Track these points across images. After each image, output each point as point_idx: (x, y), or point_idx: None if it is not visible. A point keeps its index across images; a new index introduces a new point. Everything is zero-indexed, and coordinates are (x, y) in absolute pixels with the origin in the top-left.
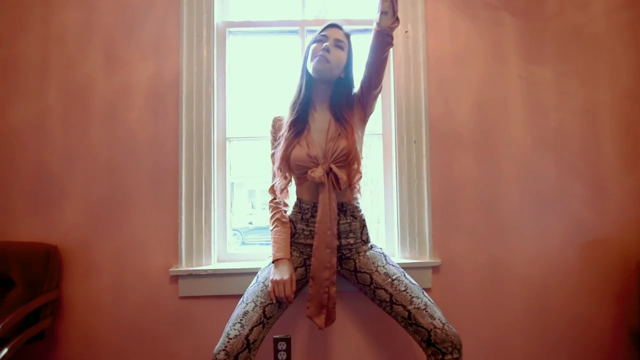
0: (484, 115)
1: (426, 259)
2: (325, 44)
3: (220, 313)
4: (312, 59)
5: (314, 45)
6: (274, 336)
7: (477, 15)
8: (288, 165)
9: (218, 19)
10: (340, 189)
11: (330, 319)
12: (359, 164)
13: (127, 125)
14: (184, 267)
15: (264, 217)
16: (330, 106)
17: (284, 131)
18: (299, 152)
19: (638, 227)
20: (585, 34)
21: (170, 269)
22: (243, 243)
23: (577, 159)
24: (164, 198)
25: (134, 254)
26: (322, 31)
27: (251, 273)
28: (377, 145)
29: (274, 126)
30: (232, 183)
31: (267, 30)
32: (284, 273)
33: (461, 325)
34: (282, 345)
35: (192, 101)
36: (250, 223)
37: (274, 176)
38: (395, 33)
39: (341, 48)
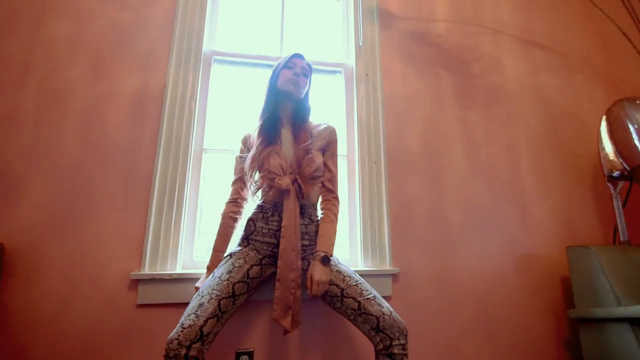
0: (430, 145)
1: (386, 267)
2: (296, 70)
3: None
4: (284, 81)
5: (285, 70)
6: (237, 350)
7: (421, 67)
8: (257, 171)
9: (206, 47)
10: (302, 197)
11: (295, 322)
12: (317, 175)
13: (103, 130)
14: (147, 271)
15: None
16: (293, 124)
17: (254, 142)
18: (274, 161)
19: (557, 244)
20: (503, 91)
21: (132, 272)
22: None
23: (503, 186)
24: (134, 202)
25: (91, 257)
26: (290, 59)
27: None
28: (342, 165)
29: (244, 143)
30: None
31: (248, 62)
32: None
33: (417, 330)
34: (244, 359)
35: (174, 112)
36: None
37: (234, 182)
38: (358, 75)
39: (306, 76)
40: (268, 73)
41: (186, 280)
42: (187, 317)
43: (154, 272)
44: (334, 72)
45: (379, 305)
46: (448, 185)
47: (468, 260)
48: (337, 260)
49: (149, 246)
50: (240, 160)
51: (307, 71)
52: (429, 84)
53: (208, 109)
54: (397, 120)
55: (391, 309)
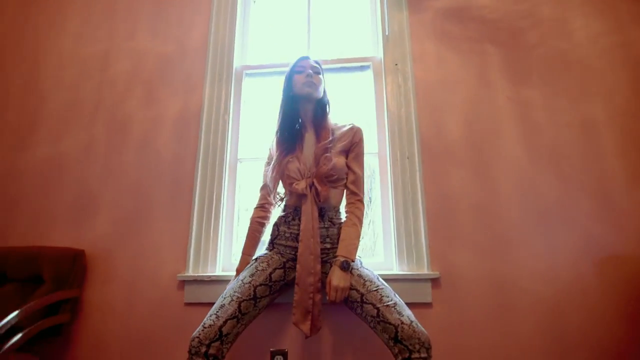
0: (473, 132)
1: (424, 271)
2: (307, 71)
3: None
4: (300, 86)
5: (296, 75)
6: (271, 349)
7: (460, 47)
8: (279, 178)
9: (237, 63)
10: (320, 201)
11: (315, 327)
12: (337, 178)
13: (154, 149)
14: (191, 273)
15: None
16: (314, 124)
17: (273, 149)
18: (292, 166)
19: None
20: (571, 58)
21: (178, 274)
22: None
23: (578, 173)
24: (180, 210)
25: (149, 261)
26: (296, 64)
27: None
28: (373, 164)
29: (271, 150)
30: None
31: (278, 71)
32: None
33: (463, 342)
34: (279, 359)
35: (210, 127)
36: None
37: (262, 188)
38: (386, 66)
39: (318, 73)
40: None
41: (224, 281)
42: (209, 317)
43: (197, 274)
44: (363, 67)
45: (399, 313)
46: (499, 176)
47: (528, 262)
48: (360, 264)
49: (192, 250)
50: (267, 167)
51: (317, 69)
52: (470, 65)
53: (241, 121)
54: (432, 110)
55: (412, 318)
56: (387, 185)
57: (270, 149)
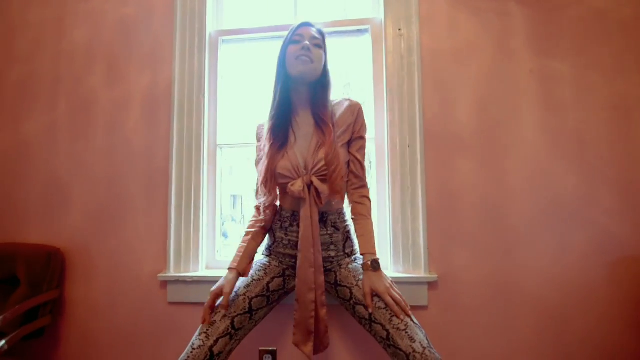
0: (489, 115)
1: (421, 273)
2: (304, 43)
3: None
4: (292, 61)
5: (291, 46)
6: (260, 348)
7: (479, 7)
8: (274, 179)
9: (210, 28)
10: (321, 203)
11: (322, 345)
12: (342, 176)
13: (123, 136)
14: (172, 273)
15: None
16: (312, 108)
17: (265, 142)
18: (284, 163)
19: None
20: (611, 21)
21: (159, 275)
22: None
23: (603, 164)
24: (156, 205)
25: (127, 259)
26: (295, 31)
27: None
28: (368, 152)
29: (257, 134)
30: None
31: (260, 36)
32: (220, 285)
33: (459, 350)
34: (267, 358)
35: (183, 109)
36: None
37: (257, 192)
38: (387, 31)
39: (319, 46)
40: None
41: (209, 282)
42: (197, 336)
43: (179, 274)
44: (361, 32)
45: (410, 338)
46: (511, 168)
47: (536, 264)
48: None
49: (172, 248)
50: (257, 164)
51: (318, 40)
52: (488, 29)
53: (219, 99)
54: (440, 87)
55: (425, 344)
56: (384, 177)
57: (258, 132)
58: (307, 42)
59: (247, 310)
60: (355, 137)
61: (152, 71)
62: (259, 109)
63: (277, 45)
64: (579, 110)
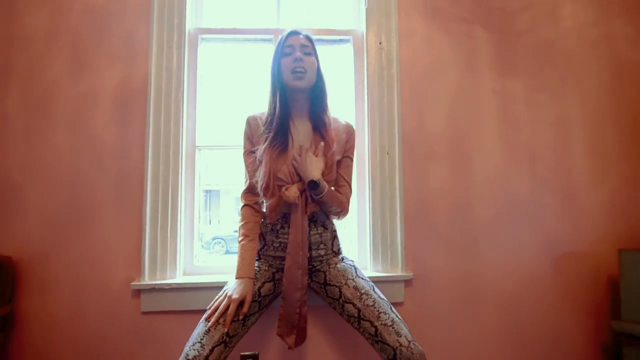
0: (457, 126)
1: (398, 272)
2: (295, 55)
3: (186, 329)
4: (288, 75)
5: (284, 59)
6: (241, 353)
7: (451, 28)
8: (275, 184)
9: (190, 25)
10: (307, 213)
11: (301, 338)
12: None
13: (92, 132)
14: (147, 280)
15: None
16: (310, 114)
17: (262, 148)
18: (284, 169)
19: (609, 240)
20: (557, 49)
21: (132, 283)
22: (227, 252)
23: (548, 171)
24: (128, 208)
25: (95, 267)
26: (285, 42)
27: (218, 287)
28: None
29: (249, 125)
30: (219, 191)
31: (241, 37)
32: (243, 292)
33: (432, 341)
34: None
35: (160, 108)
36: (236, 231)
37: (246, 192)
38: (368, 43)
39: (309, 54)
40: (265, 47)
41: (187, 289)
42: (191, 346)
43: (154, 282)
44: (342, 41)
45: (397, 333)
46: (477, 175)
47: (496, 260)
48: (355, 271)
49: (146, 254)
50: (248, 157)
51: (308, 48)
52: (459, 49)
53: (198, 99)
54: (417, 98)
55: (410, 338)
56: (365, 183)
57: (249, 124)
58: (298, 54)
59: (240, 317)
60: (345, 157)
61: (125, 65)
62: (238, 111)
63: (260, 49)
64: (530, 125)
